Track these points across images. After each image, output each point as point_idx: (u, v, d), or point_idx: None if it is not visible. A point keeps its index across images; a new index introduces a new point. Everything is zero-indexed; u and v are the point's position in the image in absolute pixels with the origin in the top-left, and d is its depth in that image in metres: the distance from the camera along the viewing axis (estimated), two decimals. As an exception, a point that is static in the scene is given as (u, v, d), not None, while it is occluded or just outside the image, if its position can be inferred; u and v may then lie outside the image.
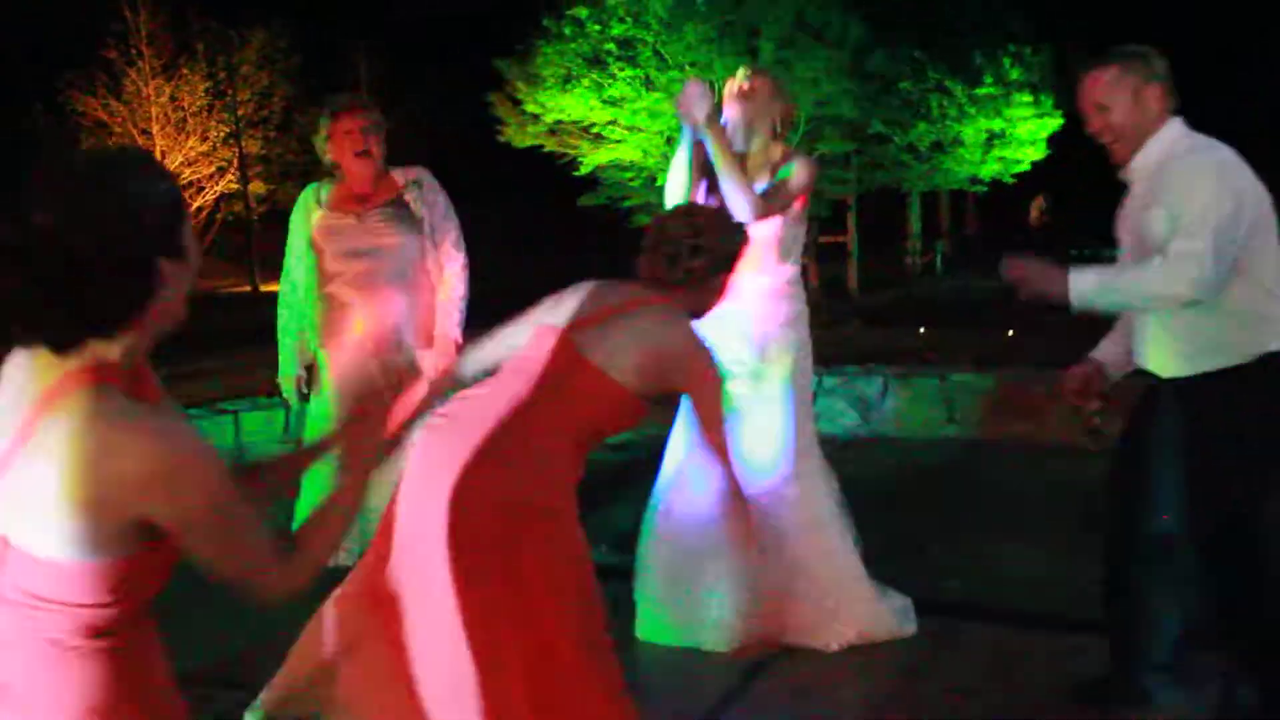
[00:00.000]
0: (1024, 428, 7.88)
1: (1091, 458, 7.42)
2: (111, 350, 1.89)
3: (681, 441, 4.91)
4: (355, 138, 5.08)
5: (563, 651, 3.11)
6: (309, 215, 5.21)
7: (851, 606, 4.82)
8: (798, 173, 4.74)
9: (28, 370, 1.91)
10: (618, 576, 5.48)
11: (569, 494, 3.31)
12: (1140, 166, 3.73)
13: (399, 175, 5.26)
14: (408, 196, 5.21)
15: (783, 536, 4.72)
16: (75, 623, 1.89)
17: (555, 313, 3.44)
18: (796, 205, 4.82)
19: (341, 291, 5.15)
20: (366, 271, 5.13)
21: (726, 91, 4.89)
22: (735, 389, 4.76)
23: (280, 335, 5.29)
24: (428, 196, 5.25)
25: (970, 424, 8.01)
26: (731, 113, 4.81)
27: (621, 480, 7.30)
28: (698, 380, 3.42)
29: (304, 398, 5.34)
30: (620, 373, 3.29)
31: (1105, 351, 4.20)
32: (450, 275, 5.27)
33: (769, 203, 4.69)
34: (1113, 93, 3.68)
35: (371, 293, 5.13)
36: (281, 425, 8.30)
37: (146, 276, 1.88)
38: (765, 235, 4.70)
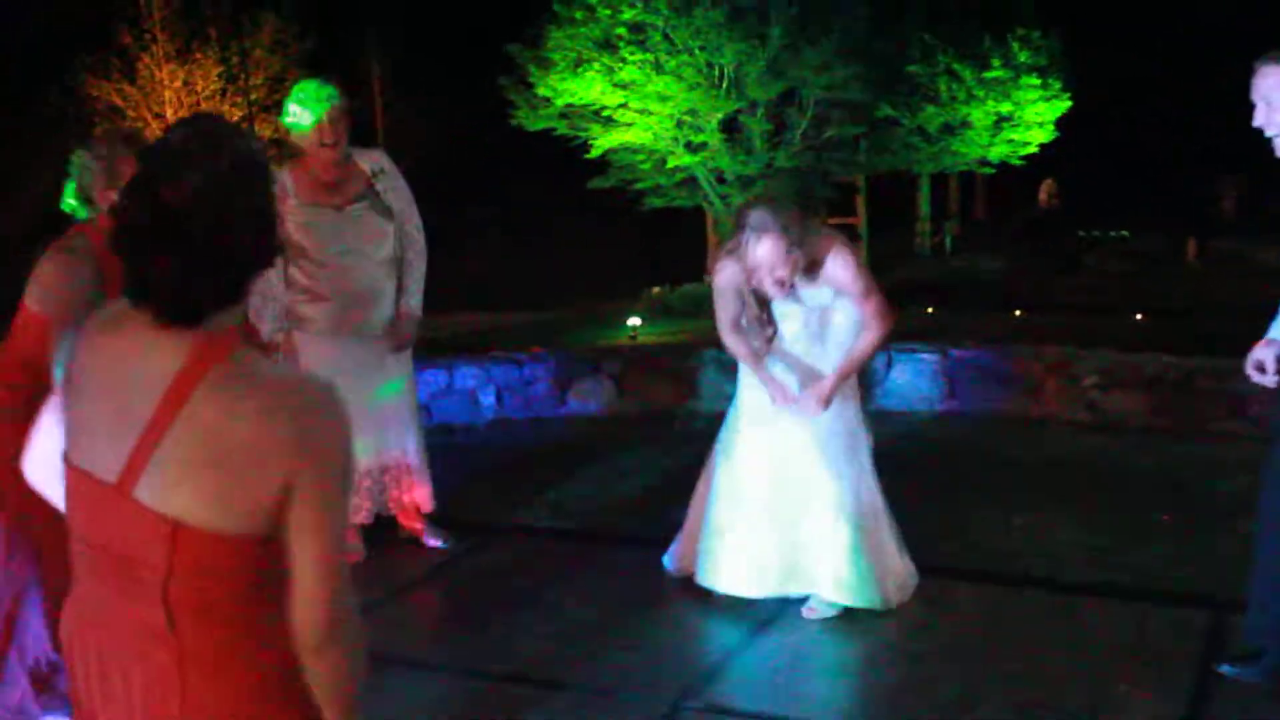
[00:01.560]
0: (1022, 402, 8.04)
1: (1087, 432, 7.64)
2: (231, 314, 1.90)
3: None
4: (323, 128, 5.21)
5: None
6: (280, 199, 5.21)
7: (894, 566, 5.07)
8: (842, 268, 4.84)
9: (138, 343, 1.89)
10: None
11: None
12: None
13: (362, 160, 5.41)
14: (379, 186, 5.38)
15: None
16: (252, 586, 1.89)
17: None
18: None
19: (325, 285, 5.33)
20: (356, 266, 5.34)
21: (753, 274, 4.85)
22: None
23: (253, 317, 5.45)
24: (395, 183, 5.45)
25: (970, 398, 8.18)
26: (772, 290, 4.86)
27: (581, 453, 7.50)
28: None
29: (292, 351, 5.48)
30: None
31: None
32: (413, 255, 5.49)
33: (878, 308, 4.86)
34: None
35: (360, 285, 5.35)
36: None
37: (274, 232, 1.95)
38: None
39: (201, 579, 1.86)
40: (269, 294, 5.33)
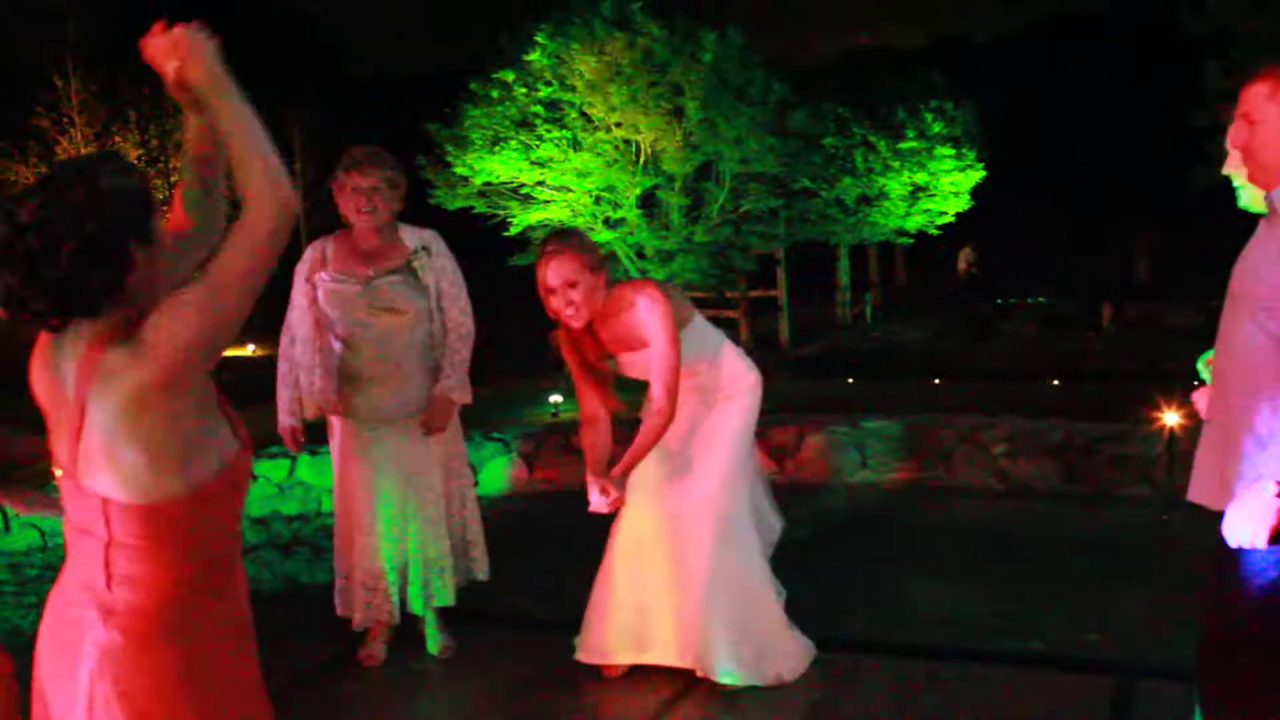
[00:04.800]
0: (933, 471, 8.09)
1: (998, 499, 7.69)
2: (111, 324, 2.16)
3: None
4: (361, 196, 5.09)
5: None
6: (312, 271, 5.22)
7: (774, 648, 4.95)
8: (651, 322, 4.65)
9: (62, 353, 2.21)
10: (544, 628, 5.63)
11: None
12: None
13: (409, 237, 5.25)
14: (415, 264, 5.20)
15: (704, 565, 4.83)
16: (182, 551, 2.22)
17: None
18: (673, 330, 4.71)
19: (353, 361, 5.19)
20: (378, 341, 5.16)
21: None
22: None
23: (279, 387, 5.34)
24: (436, 262, 5.24)
25: (882, 468, 8.21)
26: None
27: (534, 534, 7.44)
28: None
29: (298, 447, 5.42)
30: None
31: None
32: (454, 339, 5.29)
33: (670, 385, 4.64)
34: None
35: (384, 364, 5.18)
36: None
37: (118, 259, 2.16)
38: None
39: (132, 548, 2.18)
40: (285, 380, 5.30)
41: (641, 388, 4.90)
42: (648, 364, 4.72)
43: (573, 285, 4.57)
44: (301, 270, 5.27)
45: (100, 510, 2.18)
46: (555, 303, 4.62)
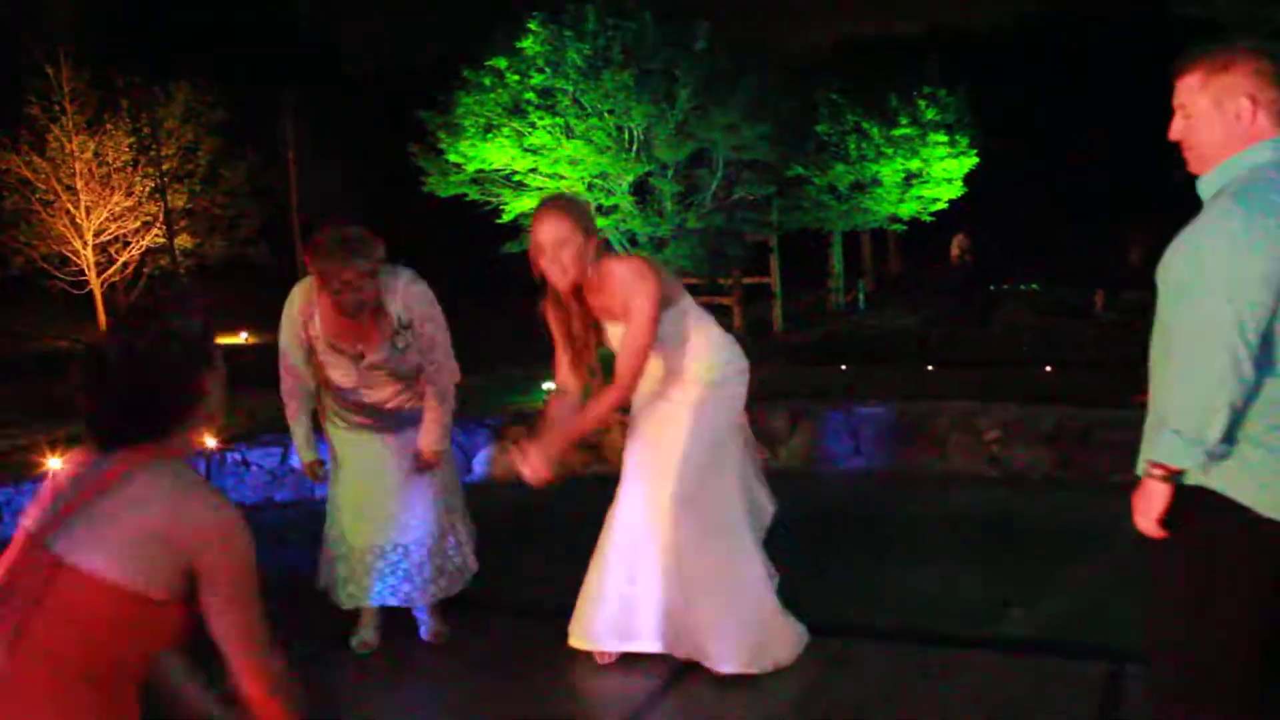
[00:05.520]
0: (926, 457, 8.09)
1: (991, 486, 7.71)
2: (173, 441, 2.49)
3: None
4: (339, 296, 4.94)
5: None
6: (305, 326, 5.16)
7: (770, 635, 4.93)
8: (634, 298, 4.59)
9: (100, 457, 2.47)
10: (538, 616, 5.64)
11: None
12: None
13: (392, 301, 5.11)
14: (399, 342, 5.15)
15: (691, 553, 4.82)
16: (95, 644, 2.35)
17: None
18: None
19: (353, 415, 5.29)
20: (374, 392, 5.24)
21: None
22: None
23: (293, 426, 5.38)
24: (419, 331, 5.17)
25: (876, 455, 8.22)
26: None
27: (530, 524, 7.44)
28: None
29: (321, 480, 5.49)
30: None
31: None
32: (431, 394, 5.27)
33: (632, 367, 4.59)
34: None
35: (380, 410, 5.27)
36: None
37: (194, 386, 2.51)
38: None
39: (60, 621, 2.32)
40: (296, 417, 5.36)
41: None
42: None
43: (563, 245, 4.54)
44: (290, 321, 5.20)
45: (46, 567, 2.36)
46: (544, 262, 4.58)
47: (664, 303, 4.69)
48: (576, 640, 5.07)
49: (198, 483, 2.47)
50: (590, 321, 4.79)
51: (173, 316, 2.52)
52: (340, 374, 5.22)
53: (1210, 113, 3.10)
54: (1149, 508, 3.11)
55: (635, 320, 4.58)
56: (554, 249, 4.55)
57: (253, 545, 2.53)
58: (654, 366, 4.85)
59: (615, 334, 4.79)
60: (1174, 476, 3.06)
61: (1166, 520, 3.10)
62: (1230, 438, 3.00)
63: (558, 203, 4.67)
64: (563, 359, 4.86)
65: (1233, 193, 3.02)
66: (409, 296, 5.15)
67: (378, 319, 5.10)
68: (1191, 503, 3.08)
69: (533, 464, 4.49)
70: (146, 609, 2.37)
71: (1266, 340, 2.95)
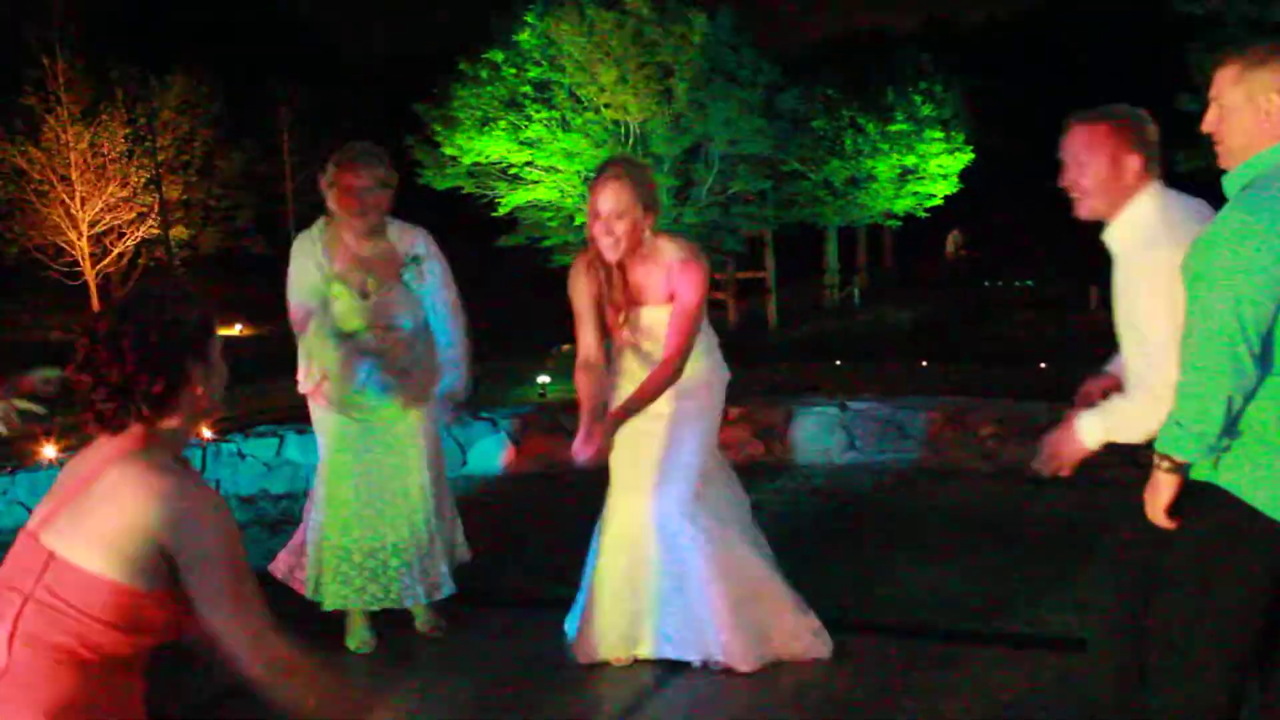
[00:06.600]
0: (920, 453, 8.11)
1: (986, 480, 7.72)
2: (159, 430, 2.50)
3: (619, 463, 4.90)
4: (353, 198, 5.00)
5: None
6: (318, 270, 5.12)
7: (778, 625, 4.90)
8: (686, 281, 4.54)
9: (95, 449, 2.51)
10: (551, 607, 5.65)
11: None
12: (1111, 239, 3.57)
13: (399, 241, 5.18)
14: (407, 276, 5.15)
15: (699, 555, 4.76)
16: (87, 636, 2.38)
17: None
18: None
19: (366, 368, 5.14)
20: (375, 349, 5.14)
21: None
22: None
23: (324, 354, 5.16)
24: (425, 270, 5.19)
25: (870, 450, 8.23)
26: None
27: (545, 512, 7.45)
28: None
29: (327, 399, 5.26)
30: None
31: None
32: (445, 336, 5.27)
33: (686, 350, 4.54)
34: (1091, 153, 3.50)
35: (390, 364, 5.16)
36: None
37: (180, 374, 2.50)
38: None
39: (53, 615, 2.36)
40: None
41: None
42: (661, 324, 4.62)
43: (620, 216, 4.44)
44: (304, 269, 5.16)
45: (42, 561, 2.41)
46: (597, 229, 4.48)
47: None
48: (584, 658, 5.01)
49: (169, 468, 2.46)
50: (626, 297, 4.67)
51: (172, 303, 2.55)
52: (346, 314, 5.12)
53: (1242, 107, 3.12)
54: (1156, 497, 3.17)
55: (687, 300, 4.51)
56: (610, 219, 4.45)
57: (231, 526, 2.53)
58: (639, 367, 4.78)
59: (647, 314, 4.69)
60: (1180, 469, 3.11)
61: (1174, 513, 3.15)
62: (1233, 431, 3.02)
63: (621, 170, 4.52)
64: (586, 333, 4.71)
65: (1253, 189, 3.05)
66: (417, 235, 5.22)
67: (387, 250, 5.14)
68: (1198, 497, 3.13)
69: (596, 442, 4.40)
70: (136, 600, 2.39)
71: (1274, 338, 2.97)
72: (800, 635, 4.97)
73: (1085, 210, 3.58)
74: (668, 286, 4.59)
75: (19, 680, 2.37)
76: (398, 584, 5.26)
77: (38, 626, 2.38)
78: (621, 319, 4.71)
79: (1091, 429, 3.58)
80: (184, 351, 2.52)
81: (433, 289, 5.24)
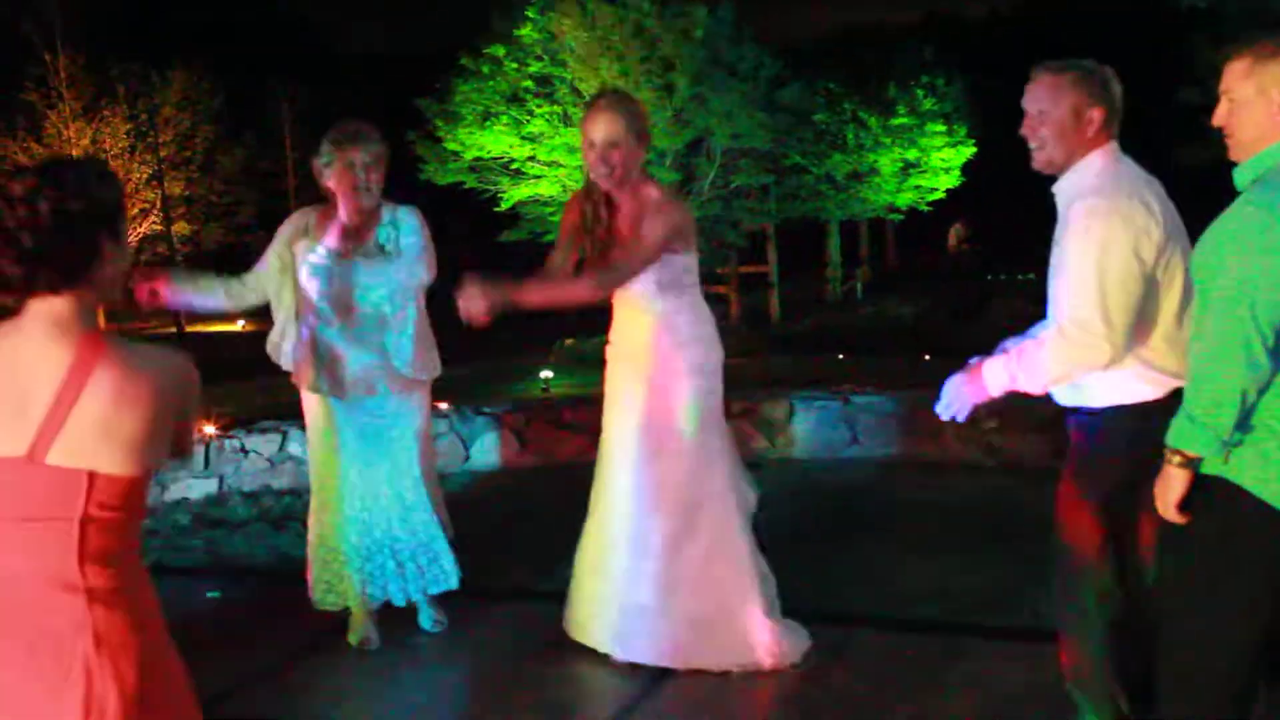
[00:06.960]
0: (923, 446, 8.10)
1: (987, 474, 7.72)
2: (71, 311, 2.37)
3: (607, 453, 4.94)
4: (354, 174, 5.00)
5: None
6: (295, 238, 5.14)
7: (754, 635, 4.83)
8: (651, 219, 4.57)
9: (22, 356, 2.36)
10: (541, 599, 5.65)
11: None
12: (1059, 191, 3.68)
13: (387, 212, 5.16)
14: (381, 238, 5.11)
15: (687, 553, 4.76)
16: (132, 535, 2.43)
17: None
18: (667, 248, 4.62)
19: (324, 335, 5.13)
20: (351, 317, 5.10)
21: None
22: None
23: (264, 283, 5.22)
24: (402, 239, 5.14)
25: (872, 443, 8.23)
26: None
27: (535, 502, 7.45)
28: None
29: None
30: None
31: None
32: (415, 310, 5.21)
33: (619, 276, 4.61)
34: (1054, 101, 3.60)
35: (354, 342, 5.11)
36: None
37: (92, 245, 2.40)
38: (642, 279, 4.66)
39: (107, 525, 2.34)
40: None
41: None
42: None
43: (614, 145, 4.48)
44: (283, 234, 5.19)
45: (84, 486, 2.31)
46: (592, 159, 4.51)
47: (682, 243, 4.65)
48: (567, 630, 5.04)
49: (142, 348, 2.45)
50: (607, 234, 4.70)
51: (91, 170, 2.47)
52: (318, 282, 5.08)
53: (1253, 100, 3.11)
54: (1167, 492, 3.14)
55: (646, 233, 4.54)
56: (604, 148, 4.49)
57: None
58: (638, 338, 4.79)
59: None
60: (1192, 463, 3.09)
61: (1184, 507, 3.13)
62: (1244, 425, 3.02)
63: (613, 99, 4.60)
64: (558, 254, 4.81)
65: (1262, 183, 3.04)
66: (404, 210, 5.20)
67: (374, 222, 5.12)
68: (1208, 492, 3.11)
69: (477, 297, 4.38)
70: (148, 479, 2.46)
71: None
72: (777, 642, 4.89)
73: (1042, 160, 3.67)
74: (635, 224, 4.62)
75: (102, 595, 2.33)
76: (396, 582, 5.27)
77: (102, 542, 2.33)
78: (596, 252, 4.74)
79: (995, 373, 3.68)
80: (101, 226, 2.42)
81: (407, 261, 5.13)
